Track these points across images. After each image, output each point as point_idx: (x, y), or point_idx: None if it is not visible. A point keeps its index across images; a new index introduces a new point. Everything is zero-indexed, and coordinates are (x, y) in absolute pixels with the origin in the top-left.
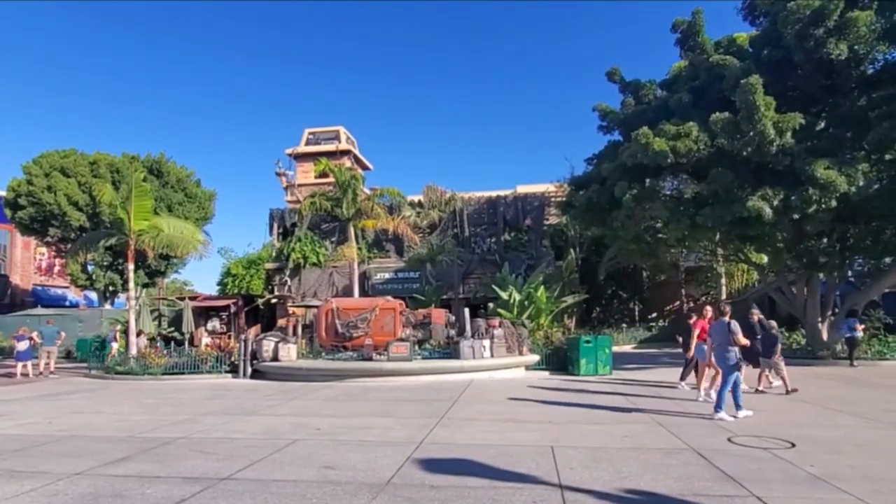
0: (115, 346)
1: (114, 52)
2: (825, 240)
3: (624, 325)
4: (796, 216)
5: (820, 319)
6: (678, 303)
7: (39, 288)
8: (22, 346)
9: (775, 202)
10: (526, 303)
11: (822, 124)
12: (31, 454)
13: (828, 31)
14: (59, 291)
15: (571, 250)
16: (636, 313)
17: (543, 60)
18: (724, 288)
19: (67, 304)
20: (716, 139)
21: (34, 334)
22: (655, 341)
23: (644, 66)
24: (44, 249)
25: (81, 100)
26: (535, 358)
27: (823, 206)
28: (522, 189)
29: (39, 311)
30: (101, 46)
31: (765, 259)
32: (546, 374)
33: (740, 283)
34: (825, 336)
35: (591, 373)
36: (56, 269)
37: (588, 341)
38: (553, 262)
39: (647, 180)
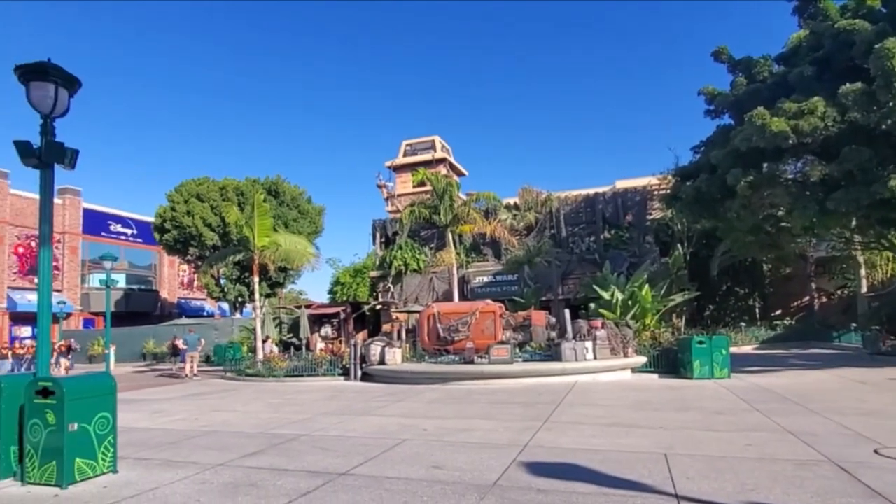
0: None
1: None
2: None
3: (742, 324)
4: None
5: None
6: (807, 298)
7: (183, 301)
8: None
9: None
10: (630, 302)
11: None
12: (182, 446)
13: None
14: (198, 303)
15: (678, 245)
16: (756, 311)
17: (640, 52)
18: (864, 280)
19: (205, 314)
20: (847, 113)
21: (179, 341)
22: (781, 341)
23: (751, 47)
24: (185, 267)
25: (208, 127)
26: (642, 360)
27: None
28: (622, 184)
29: (183, 320)
30: (221, 76)
31: None
32: (654, 376)
33: (884, 273)
34: None
35: (706, 376)
36: (195, 283)
37: (701, 342)
38: (658, 259)
39: (765, 165)
